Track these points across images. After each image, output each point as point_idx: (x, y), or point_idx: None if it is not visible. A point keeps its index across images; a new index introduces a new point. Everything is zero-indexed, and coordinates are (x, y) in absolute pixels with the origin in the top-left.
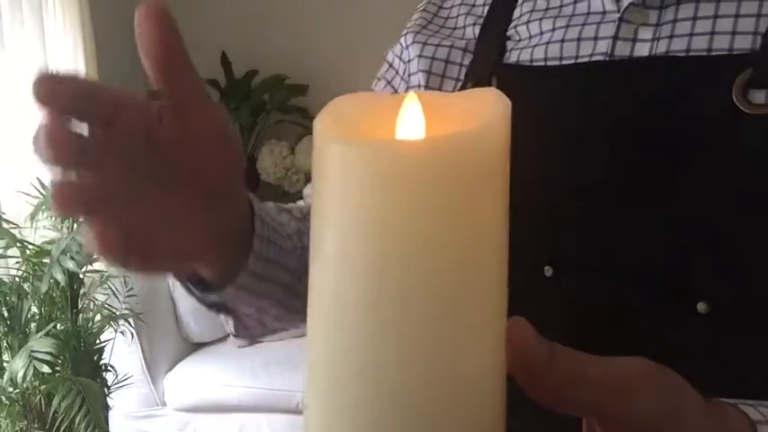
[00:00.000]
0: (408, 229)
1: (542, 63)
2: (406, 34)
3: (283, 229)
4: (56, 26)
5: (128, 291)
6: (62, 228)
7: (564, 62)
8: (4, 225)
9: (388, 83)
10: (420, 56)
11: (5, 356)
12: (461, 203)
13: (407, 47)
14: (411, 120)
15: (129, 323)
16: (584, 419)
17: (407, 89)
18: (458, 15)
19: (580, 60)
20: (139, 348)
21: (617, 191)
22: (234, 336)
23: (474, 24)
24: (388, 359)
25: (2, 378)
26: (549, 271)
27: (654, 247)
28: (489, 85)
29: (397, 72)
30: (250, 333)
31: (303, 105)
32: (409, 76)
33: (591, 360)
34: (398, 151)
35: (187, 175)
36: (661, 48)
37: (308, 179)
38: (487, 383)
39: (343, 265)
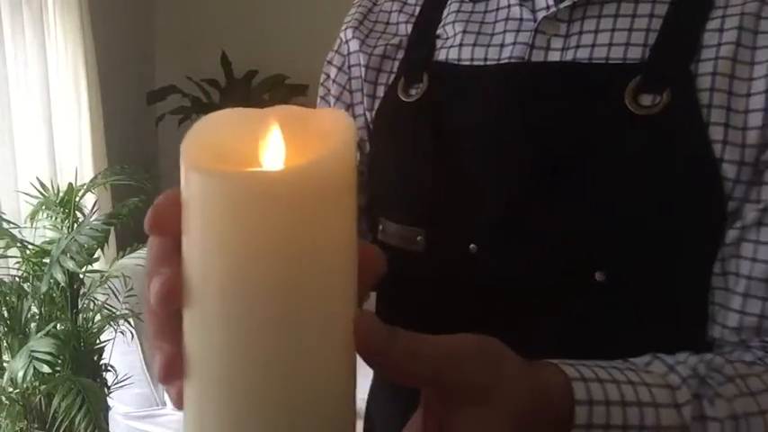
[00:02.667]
0: (264, 251)
1: (468, 62)
2: (345, 29)
3: None
4: (56, 29)
5: (128, 291)
6: (62, 228)
7: (487, 63)
8: (4, 225)
9: (339, 69)
10: (359, 51)
11: (5, 356)
12: (317, 223)
13: (347, 41)
14: (271, 147)
15: (129, 323)
16: (422, 392)
17: (349, 79)
18: (391, 11)
19: (501, 62)
20: (139, 348)
21: (527, 179)
22: None
23: (407, 22)
24: (251, 356)
25: (2, 378)
26: (473, 248)
27: (560, 227)
28: (421, 79)
29: (339, 66)
30: None
31: (303, 105)
32: (349, 67)
33: (425, 338)
34: (258, 182)
35: None
36: (568, 56)
37: None
38: (337, 375)
39: (205, 281)
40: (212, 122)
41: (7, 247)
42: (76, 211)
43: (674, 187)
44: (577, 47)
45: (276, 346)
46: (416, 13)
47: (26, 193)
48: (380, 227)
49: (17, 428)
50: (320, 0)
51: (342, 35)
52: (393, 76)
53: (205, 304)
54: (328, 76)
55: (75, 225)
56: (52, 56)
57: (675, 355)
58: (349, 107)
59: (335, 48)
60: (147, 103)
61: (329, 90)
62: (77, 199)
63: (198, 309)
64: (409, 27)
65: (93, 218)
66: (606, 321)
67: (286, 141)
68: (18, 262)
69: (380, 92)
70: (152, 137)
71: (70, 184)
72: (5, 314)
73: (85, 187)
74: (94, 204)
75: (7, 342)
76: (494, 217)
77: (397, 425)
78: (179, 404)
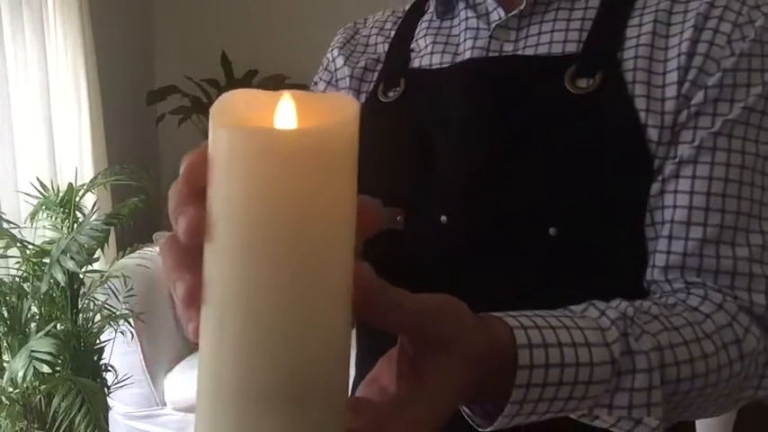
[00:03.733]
0: (281, 197)
1: (438, 66)
2: (332, 50)
3: None
4: (56, 29)
5: (128, 291)
6: (62, 228)
7: (445, 65)
8: (4, 225)
9: (327, 83)
10: (345, 65)
11: (5, 356)
12: (323, 178)
13: (334, 60)
14: (285, 114)
15: (129, 323)
16: (399, 337)
17: (337, 90)
18: (369, 35)
19: (455, 63)
20: (139, 348)
21: (486, 155)
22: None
23: (384, 42)
24: (267, 290)
25: (2, 378)
26: (444, 219)
27: (516, 192)
28: (398, 83)
29: (328, 81)
30: None
31: None
32: (337, 81)
33: (408, 294)
34: (277, 136)
35: None
36: (518, 53)
37: None
38: (340, 316)
39: (228, 221)
40: (235, 95)
41: (7, 247)
42: (76, 211)
43: (609, 151)
44: (525, 47)
45: (288, 283)
46: (392, 36)
47: (26, 193)
48: None
49: (17, 428)
50: (320, 0)
51: (329, 55)
52: (373, 84)
53: (227, 241)
54: (327, 82)
55: (75, 225)
56: (52, 56)
57: (609, 302)
58: None
59: (323, 66)
60: (147, 103)
61: None
62: (77, 199)
63: (221, 244)
64: (386, 46)
65: (93, 218)
66: (559, 272)
67: (298, 112)
68: (18, 262)
69: (363, 98)
70: (152, 137)
71: (70, 184)
72: (5, 314)
73: (85, 187)
74: (94, 204)
75: (7, 342)
76: (459, 190)
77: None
78: (195, 337)
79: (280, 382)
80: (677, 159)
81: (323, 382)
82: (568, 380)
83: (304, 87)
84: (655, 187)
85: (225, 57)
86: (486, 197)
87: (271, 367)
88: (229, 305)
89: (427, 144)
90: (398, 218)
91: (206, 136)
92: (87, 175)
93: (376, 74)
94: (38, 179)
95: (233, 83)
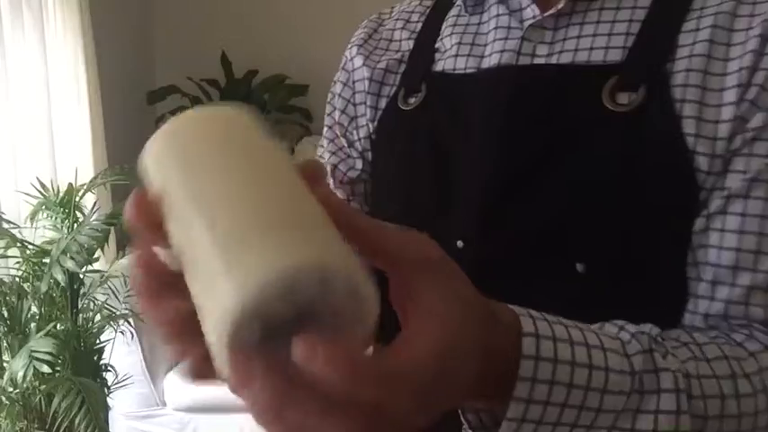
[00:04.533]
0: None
1: (462, 71)
2: (350, 47)
3: None
4: (56, 29)
5: (128, 291)
6: (62, 228)
7: (478, 70)
8: (4, 225)
9: (344, 84)
10: (363, 65)
11: (5, 356)
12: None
13: (352, 59)
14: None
15: (129, 323)
16: (389, 279)
17: (353, 93)
18: (394, 29)
19: (489, 68)
20: (139, 348)
21: (508, 175)
22: None
23: (409, 38)
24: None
25: (2, 378)
26: (460, 244)
27: (540, 220)
28: (420, 89)
29: (345, 82)
30: None
31: (303, 105)
32: (354, 82)
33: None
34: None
35: None
36: (552, 61)
37: None
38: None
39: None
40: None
41: (7, 247)
42: (76, 211)
43: (649, 180)
44: (561, 52)
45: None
46: (418, 30)
47: (26, 193)
48: None
49: (17, 428)
50: (320, 1)
51: (347, 53)
52: (395, 89)
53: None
54: (334, 95)
55: (75, 225)
56: (52, 56)
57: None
58: (353, 119)
59: (341, 65)
60: (147, 103)
61: (335, 107)
62: (77, 199)
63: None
64: (411, 43)
65: (93, 218)
66: (586, 312)
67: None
68: (18, 262)
69: (383, 104)
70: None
71: (70, 184)
72: (5, 314)
73: (85, 187)
74: (94, 204)
75: (7, 342)
76: (477, 214)
77: None
78: (198, 374)
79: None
80: (726, 192)
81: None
82: (580, 382)
83: (304, 87)
84: (699, 223)
85: (225, 57)
86: (506, 224)
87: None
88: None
89: (446, 160)
90: None
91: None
92: (87, 175)
93: (398, 76)
94: (38, 179)
95: (233, 83)
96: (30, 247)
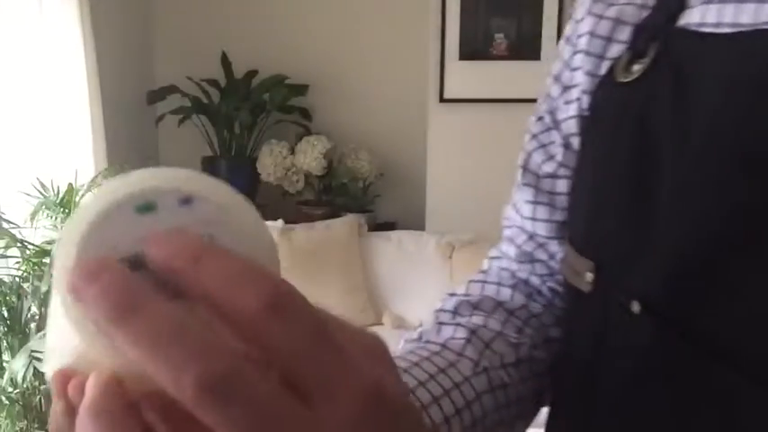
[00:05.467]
0: None
1: (712, 28)
2: None
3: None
4: (56, 29)
5: None
6: (62, 228)
7: (740, 29)
8: (4, 225)
9: (567, 40)
10: (588, 15)
11: (5, 356)
12: None
13: (582, 2)
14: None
15: None
16: None
17: (573, 53)
18: None
19: (760, 27)
20: None
21: (740, 216)
22: None
23: None
24: None
25: (2, 378)
26: (636, 308)
27: (764, 308)
28: (647, 52)
29: (568, 37)
30: None
31: (303, 105)
32: (577, 37)
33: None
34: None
35: None
36: None
37: (307, 179)
38: None
39: None
40: None
41: (7, 247)
42: None
43: None
44: None
45: None
46: None
47: (26, 194)
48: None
49: (17, 428)
50: (320, 1)
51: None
52: (625, 47)
53: None
54: (558, 56)
55: None
56: (52, 55)
57: None
58: (565, 90)
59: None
60: (147, 102)
61: (552, 74)
62: (77, 199)
63: None
64: None
65: None
66: None
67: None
68: (18, 262)
69: (603, 69)
70: (152, 137)
71: (70, 184)
72: (5, 314)
73: (85, 187)
74: None
75: (7, 342)
76: (676, 268)
77: None
78: None
79: None
80: None
81: None
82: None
83: (304, 87)
84: None
85: (225, 57)
86: (723, 292)
87: None
88: None
89: (652, 168)
90: (587, 274)
91: (206, 136)
92: (87, 175)
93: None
94: (38, 179)
95: (233, 83)
96: (30, 247)
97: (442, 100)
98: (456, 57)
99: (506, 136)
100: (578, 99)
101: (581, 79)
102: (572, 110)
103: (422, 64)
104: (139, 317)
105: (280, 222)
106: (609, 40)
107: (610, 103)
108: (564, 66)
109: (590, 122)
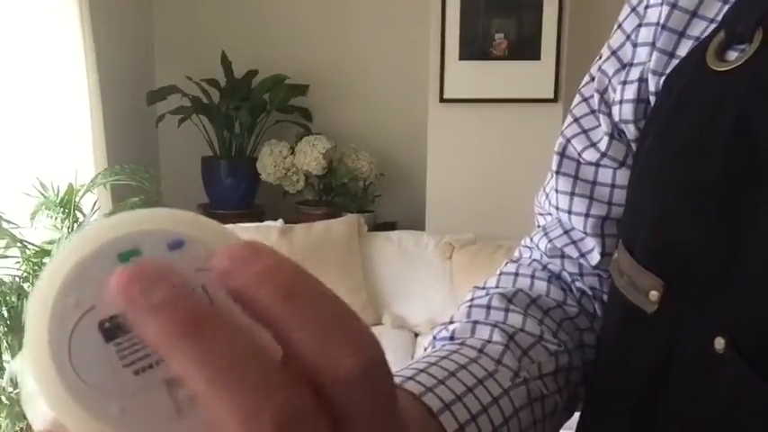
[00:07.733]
0: None
1: None
2: None
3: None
4: (56, 29)
5: None
6: (62, 228)
7: None
8: (4, 225)
9: (633, 9)
10: None
11: (5, 356)
12: None
13: None
14: None
15: None
16: None
17: (638, 26)
18: None
19: None
20: None
21: None
22: None
23: None
24: None
25: (2, 378)
26: (720, 345)
27: None
28: (751, 38)
29: (634, 7)
30: None
31: (303, 105)
32: (646, 8)
33: None
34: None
35: None
36: None
37: (307, 179)
38: None
39: None
40: None
41: (7, 247)
42: (76, 211)
43: None
44: None
45: None
46: None
47: (26, 194)
48: (616, 254)
49: (17, 428)
50: (320, 1)
51: None
52: (712, 29)
53: None
54: (617, 27)
55: (76, 225)
56: (52, 55)
57: None
58: (623, 69)
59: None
60: (147, 103)
61: (609, 46)
62: (77, 199)
63: None
64: None
65: (93, 218)
66: None
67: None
68: (18, 262)
69: (684, 49)
70: (152, 137)
71: (70, 184)
72: (5, 314)
73: (85, 187)
74: (94, 204)
75: (7, 342)
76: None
77: None
78: None
79: None
80: None
81: None
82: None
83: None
84: None
85: (225, 57)
86: None
87: None
88: None
89: (752, 171)
90: (652, 292)
91: (206, 136)
92: (87, 175)
93: (726, 7)
94: (38, 179)
95: (233, 83)
96: (30, 247)
97: (442, 100)
98: (456, 57)
99: (506, 136)
100: (641, 80)
101: (647, 56)
102: (630, 92)
103: (422, 64)
104: (209, 334)
105: (279, 222)
106: (693, 15)
107: (698, 95)
108: (624, 39)
109: (664, 113)
